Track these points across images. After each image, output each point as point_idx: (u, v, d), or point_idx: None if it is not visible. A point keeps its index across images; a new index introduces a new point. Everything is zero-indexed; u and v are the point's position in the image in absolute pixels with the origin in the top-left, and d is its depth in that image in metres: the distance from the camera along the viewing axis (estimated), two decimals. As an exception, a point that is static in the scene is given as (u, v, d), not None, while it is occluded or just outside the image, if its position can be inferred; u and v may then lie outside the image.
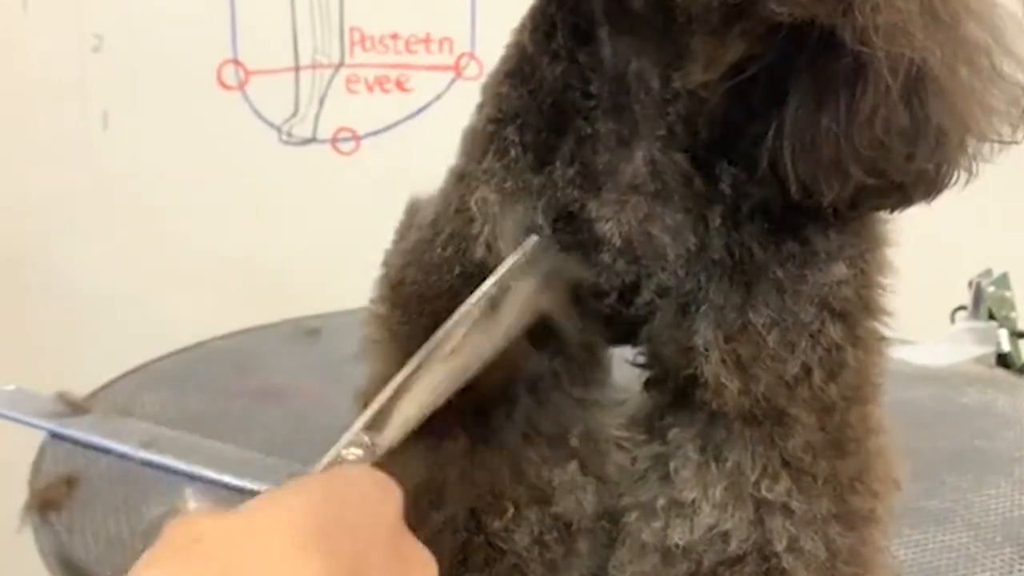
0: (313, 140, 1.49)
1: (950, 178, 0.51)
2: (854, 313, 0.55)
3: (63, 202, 1.39)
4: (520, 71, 0.56)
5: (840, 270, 0.54)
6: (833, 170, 0.50)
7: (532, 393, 0.60)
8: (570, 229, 0.56)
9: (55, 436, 0.88)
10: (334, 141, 1.50)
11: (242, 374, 1.04)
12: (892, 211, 0.54)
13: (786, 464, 0.56)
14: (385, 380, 0.62)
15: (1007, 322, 1.22)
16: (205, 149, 1.43)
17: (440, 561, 0.57)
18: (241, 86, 1.45)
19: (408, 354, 0.60)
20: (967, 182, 0.51)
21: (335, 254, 1.42)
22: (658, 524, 0.58)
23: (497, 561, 0.58)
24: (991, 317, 1.24)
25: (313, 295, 1.27)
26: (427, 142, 1.47)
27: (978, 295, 1.24)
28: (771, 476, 0.56)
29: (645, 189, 0.54)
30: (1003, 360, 1.19)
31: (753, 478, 0.56)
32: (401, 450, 0.60)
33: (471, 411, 0.58)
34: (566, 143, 0.55)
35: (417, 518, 0.57)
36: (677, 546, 0.57)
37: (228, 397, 0.98)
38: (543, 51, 0.55)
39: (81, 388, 0.96)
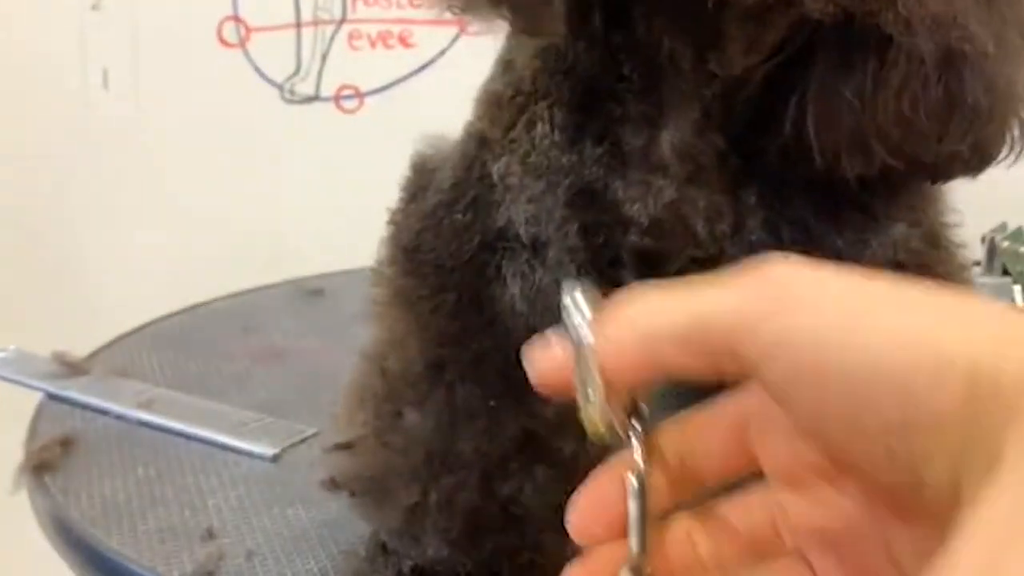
0: (316, 98, 1.47)
1: (993, 156, 0.49)
2: (923, 252, 0.55)
3: (63, 161, 1.38)
4: (553, 48, 0.55)
5: (901, 229, 0.53)
6: (855, 145, 0.47)
7: None
8: (593, 209, 0.54)
9: (52, 397, 0.87)
10: (337, 99, 1.48)
11: (243, 335, 1.03)
12: (933, 183, 0.53)
13: None
14: (391, 344, 0.61)
15: (1022, 278, 1.21)
16: (206, 108, 1.41)
17: (455, 523, 0.57)
18: (242, 43, 1.43)
19: (418, 321, 0.58)
20: (1017, 158, 0.49)
21: (338, 213, 1.40)
22: None
23: (510, 525, 0.57)
24: (1005, 273, 1.22)
25: (316, 255, 1.26)
26: (431, 98, 1.46)
27: (992, 250, 1.22)
28: None
29: (673, 172, 0.52)
30: (1017, 316, 1.17)
31: None
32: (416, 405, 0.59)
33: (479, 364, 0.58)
34: (596, 123, 0.54)
35: (430, 478, 0.57)
36: None
37: (229, 358, 0.97)
38: (578, 35, 0.53)
39: (81, 349, 0.96)
